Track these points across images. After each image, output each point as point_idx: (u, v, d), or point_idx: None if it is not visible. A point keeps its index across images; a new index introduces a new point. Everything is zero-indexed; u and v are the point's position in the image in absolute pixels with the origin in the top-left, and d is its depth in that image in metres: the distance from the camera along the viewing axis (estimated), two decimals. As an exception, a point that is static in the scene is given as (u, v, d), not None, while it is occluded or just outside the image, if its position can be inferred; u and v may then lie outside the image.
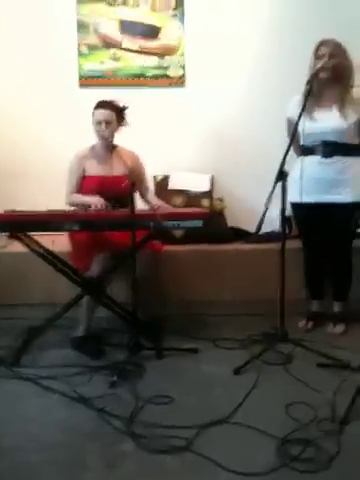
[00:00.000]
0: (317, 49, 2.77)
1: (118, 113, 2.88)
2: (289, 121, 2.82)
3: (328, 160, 2.78)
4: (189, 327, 2.96)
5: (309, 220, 2.94)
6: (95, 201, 2.71)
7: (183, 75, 3.59)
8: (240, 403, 2.13)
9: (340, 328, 2.93)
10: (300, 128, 2.76)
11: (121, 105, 2.89)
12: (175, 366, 2.52)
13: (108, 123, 2.83)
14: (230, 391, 2.26)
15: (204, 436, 1.93)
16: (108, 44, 3.57)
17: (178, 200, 3.46)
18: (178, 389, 2.28)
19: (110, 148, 2.93)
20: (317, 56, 2.76)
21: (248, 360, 2.48)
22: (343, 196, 2.74)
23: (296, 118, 2.58)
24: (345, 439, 1.90)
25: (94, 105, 2.86)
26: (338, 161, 2.77)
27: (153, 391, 2.24)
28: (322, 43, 2.76)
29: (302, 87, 2.66)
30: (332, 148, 2.76)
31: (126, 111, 2.91)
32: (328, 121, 2.75)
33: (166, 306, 3.02)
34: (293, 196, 2.79)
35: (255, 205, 2.57)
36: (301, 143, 2.88)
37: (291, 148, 2.54)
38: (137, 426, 1.98)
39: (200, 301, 3.14)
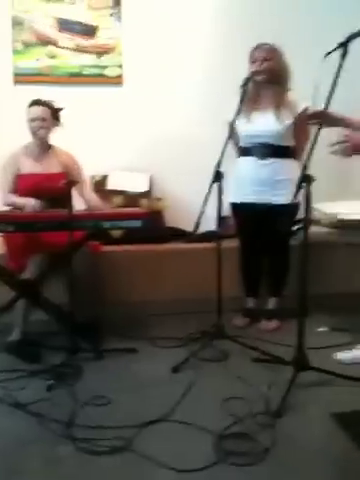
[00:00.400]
0: (252, 53, 2.84)
1: (53, 112, 2.83)
2: (229, 124, 2.86)
3: (264, 161, 2.87)
4: (128, 327, 2.96)
5: (246, 220, 3.02)
6: (28, 203, 2.65)
7: (121, 74, 3.58)
8: (178, 401, 2.16)
9: (274, 324, 3.04)
10: (238, 130, 2.83)
11: (56, 106, 2.85)
12: (114, 367, 2.52)
13: (43, 120, 2.78)
14: (168, 389, 2.29)
15: (143, 435, 1.94)
16: (44, 41, 3.49)
17: (117, 200, 3.44)
18: (117, 390, 2.28)
19: (45, 147, 2.88)
20: (252, 59, 2.83)
21: (186, 358, 2.52)
22: (279, 197, 2.82)
23: (237, 119, 2.64)
24: (279, 432, 1.97)
25: (29, 103, 2.81)
26: (274, 163, 2.85)
27: (92, 393, 2.22)
28: (257, 47, 2.83)
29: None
30: (268, 150, 2.85)
31: (61, 112, 2.87)
32: (264, 124, 2.83)
33: (105, 307, 2.99)
34: (231, 196, 2.85)
35: (193, 205, 2.60)
36: (240, 144, 2.96)
37: (227, 149, 2.59)
38: (76, 429, 1.97)
39: (139, 301, 3.14)
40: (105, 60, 3.55)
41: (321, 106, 2.12)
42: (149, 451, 1.82)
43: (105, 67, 3.56)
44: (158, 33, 3.57)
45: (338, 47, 2.11)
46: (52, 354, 2.59)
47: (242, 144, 2.96)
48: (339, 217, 2.93)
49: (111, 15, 3.51)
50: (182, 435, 1.97)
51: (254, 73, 2.75)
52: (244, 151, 2.95)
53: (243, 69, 2.82)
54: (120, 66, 3.57)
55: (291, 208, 2.31)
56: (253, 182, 2.89)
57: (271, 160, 2.85)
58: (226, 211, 3.14)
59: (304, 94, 2.70)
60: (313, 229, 3.25)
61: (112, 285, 3.05)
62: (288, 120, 2.82)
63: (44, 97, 2.85)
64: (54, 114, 2.84)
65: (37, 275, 2.64)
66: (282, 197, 2.79)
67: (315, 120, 2.33)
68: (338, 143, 2.10)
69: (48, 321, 2.77)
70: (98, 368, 2.50)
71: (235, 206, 3.01)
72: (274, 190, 2.85)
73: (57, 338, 2.71)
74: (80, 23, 3.50)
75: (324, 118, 2.34)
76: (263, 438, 1.91)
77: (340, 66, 2.10)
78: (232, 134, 2.61)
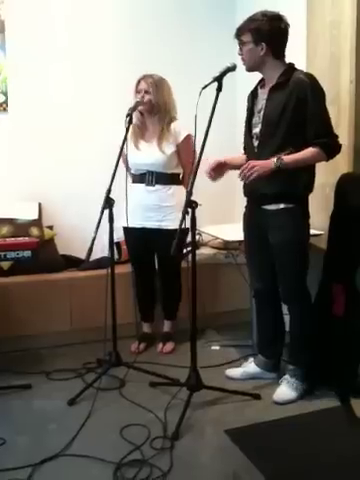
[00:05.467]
0: (137, 83, 2.93)
1: None
2: (120, 150, 2.87)
3: (152, 188, 2.96)
4: (21, 363, 2.86)
5: (137, 244, 3.08)
6: None
7: (5, 101, 3.50)
8: (75, 434, 2.13)
9: (169, 346, 3.10)
10: (128, 157, 2.90)
11: None
12: (6, 405, 2.42)
13: None
14: (65, 423, 2.25)
15: (39, 474, 1.90)
16: None
17: (4, 229, 3.32)
18: (10, 429, 2.20)
19: None
20: (136, 90, 2.92)
21: (82, 389, 2.50)
22: (167, 222, 2.91)
23: (127, 147, 2.69)
24: (177, 454, 2.02)
25: None
26: (159, 190, 2.95)
27: (-17, 435, 2.12)
28: (142, 78, 2.92)
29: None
30: (153, 178, 2.95)
31: None
32: (148, 153, 2.93)
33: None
34: (123, 220, 2.90)
35: (86, 232, 2.60)
36: (130, 171, 3.03)
37: (117, 175, 2.61)
38: (-33, 475, 1.87)
39: (32, 334, 3.05)
40: (-12, 87, 3.45)
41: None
42: (46, 490, 1.78)
43: (-12, 94, 3.46)
44: (42, 59, 3.54)
45: (213, 81, 2.27)
46: None
47: (132, 171, 3.03)
48: (223, 239, 3.08)
49: (-7, 41, 3.43)
50: (80, 469, 1.94)
51: (137, 104, 2.83)
52: (134, 177, 3.03)
53: (130, 97, 2.89)
54: (4, 93, 3.48)
55: (179, 232, 2.39)
56: (142, 207, 2.96)
57: (157, 187, 2.95)
58: (121, 237, 3.19)
59: (187, 123, 2.82)
60: (202, 251, 3.45)
61: (2, 319, 2.93)
62: (170, 149, 2.92)
63: None
64: None
65: None
66: (169, 222, 2.88)
67: (218, 172, 2.52)
68: (244, 170, 2.26)
69: None
70: (-10, 408, 2.40)
71: (126, 231, 3.06)
72: (161, 216, 2.95)
73: None
74: None
75: (226, 167, 2.53)
76: (162, 462, 1.95)
77: (216, 99, 2.26)
78: (117, 161, 2.64)
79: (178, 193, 2.93)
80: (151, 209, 2.96)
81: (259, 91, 2.50)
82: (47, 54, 3.55)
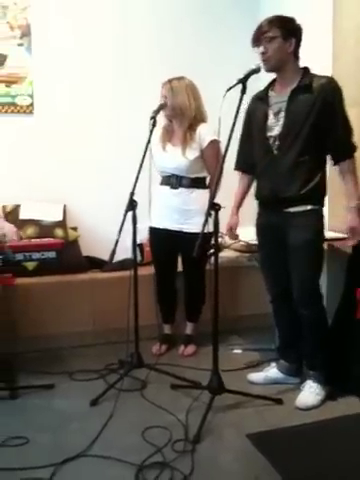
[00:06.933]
0: (162, 87, 2.94)
1: None
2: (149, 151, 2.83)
3: (176, 190, 2.97)
4: (44, 362, 2.89)
5: (159, 245, 3.09)
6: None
7: (31, 104, 3.55)
8: (97, 435, 2.15)
9: (191, 349, 3.10)
10: (154, 159, 2.92)
11: None
12: (30, 405, 2.45)
13: None
14: (87, 424, 2.27)
15: (62, 473, 1.91)
16: None
17: (30, 230, 3.37)
18: (34, 428, 2.22)
19: None
20: (161, 94, 2.93)
21: (104, 390, 2.51)
22: (190, 226, 2.91)
23: (154, 149, 2.71)
24: (198, 457, 2.02)
25: None
26: (183, 193, 2.96)
27: (7, 433, 2.15)
28: (164, 83, 2.93)
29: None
30: (177, 181, 2.96)
31: None
32: (172, 157, 2.94)
33: (19, 342, 2.92)
34: (146, 222, 2.93)
35: (109, 233, 2.62)
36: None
37: (140, 176, 2.62)
38: (-10, 472, 1.90)
39: (55, 334, 3.09)
40: (15, 90, 3.51)
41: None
42: (68, 490, 1.80)
43: (15, 96, 3.51)
44: (68, 63, 3.59)
45: (237, 83, 2.26)
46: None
47: (159, 172, 3.04)
48: (247, 241, 3.07)
49: (19, 45, 3.48)
50: (102, 469, 1.95)
51: (160, 107, 2.84)
52: (161, 179, 3.05)
53: (154, 100, 2.90)
54: (30, 96, 3.54)
55: (202, 235, 2.38)
56: (166, 209, 2.98)
57: (180, 190, 2.96)
58: (143, 239, 3.20)
59: (214, 125, 2.81)
60: (224, 254, 3.43)
61: (26, 319, 2.97)
62: (194, 154, 2.92)
63: None
64: None
65: None
66: (192, 226, 2.88)
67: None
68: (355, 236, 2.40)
69: None
70: (14, 407, 2.42)
71: (151, 231, 3.08)
72: (184, 219, 2.95)
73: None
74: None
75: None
76: (183, 465, 1.95)
77: (240, 101, 2.25)
78: (142, 162, 2.65)
79: (202, 196, 2.92)
80: (175, 211, 2.97)
81: (271, 94, 2.47)
82: (72, 57, 3.60)
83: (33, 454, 2.03)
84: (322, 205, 2.45)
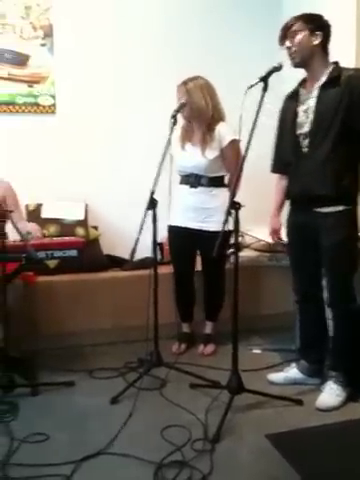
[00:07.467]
0: (177, 89, 2.93)
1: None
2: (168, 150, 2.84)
3: (193, 190, 2.97)
4: (65, 360, 2.92)
5: (177, 243, 3.09)
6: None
7: (53, 104, 3.59)
8: (117, 433, 2.16)
9: (210, 348, 3.10)
10: (174, 158, 2.92)
11: None
12: (50, 402, 2.47)
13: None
14: (107, 421, 2.28)
15: (82, 471, 1.93)
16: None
17: (52, 229, 3.41)
18: (54, 425, 2.24)
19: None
20: (176, 96, 2.93)
21: (124, 388, 2.52)
22: (209, 224, 2.91)
23: (174, 148, 2.73)
24: (217, 456, 2.02)
25: None
26: (202, 192, 2.96)
27: (28, 429, 2.18)
28: (181, 84, 2.91)
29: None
30: (196, 180, 2.96)
31: None
32: (191, 156, 2.94)
33: (40, 339, 2.95)
34: (169, 219, 2.92)
35: (129, 232, 2.63)
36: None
37: (161, 176, 2.62)
38: (12, 468, 1.92)
39: (75, 332, 3.11)
40: (38, 89, 3.55)
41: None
42: (88, 486, 1.81)
43: (38, 96, 3.55)
44: (89, 63, 3.62)
45: (259, 81, 2.24)
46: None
47: (178, 172, 3.04)
48: (267, 241, 3.05)
49: (42, 46, 3.52)
50: (121, 467, 1.97)
51: (180, 105, 2.81)
52: (180, 178, 3.05)
53: (175, 99, 2.90)
54: (53, 96, 3.57)
55: (222, 234, 2.37)
56: (185, 208, 2.99)
57: (199, 189, 2.96)
58: (163, 238, 3.21)
59: (234, 124, 2.80)
60: (246, 253, 3.42)
61: (47, 316, 3.01)
62: (213, 154, 2.91)
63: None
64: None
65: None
66: (212, 224, 2.88)
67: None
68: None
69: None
70: (35, 404, 2.45)
71: (170, 229, 3.09)
72: (202, 217, 2.95)
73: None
74: (11, 52, 3.48)
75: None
76: (202, 464, 1.95)
77: (262, 99, 2.23)
78: (162, 161, 2.66)
79: (221, 195, 2.93)
80: (193, 210, 2.97)
81: (301, 92, 2.45)
82: (94, 57, 3.62)
83: (53, 451, 2.06)
84: (356, 204, 2.40)
